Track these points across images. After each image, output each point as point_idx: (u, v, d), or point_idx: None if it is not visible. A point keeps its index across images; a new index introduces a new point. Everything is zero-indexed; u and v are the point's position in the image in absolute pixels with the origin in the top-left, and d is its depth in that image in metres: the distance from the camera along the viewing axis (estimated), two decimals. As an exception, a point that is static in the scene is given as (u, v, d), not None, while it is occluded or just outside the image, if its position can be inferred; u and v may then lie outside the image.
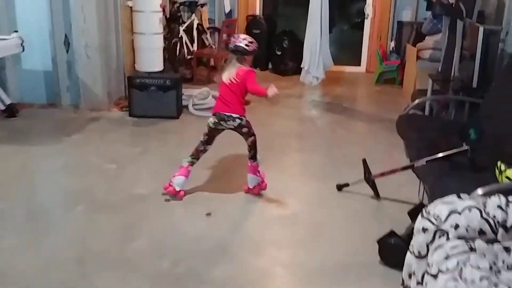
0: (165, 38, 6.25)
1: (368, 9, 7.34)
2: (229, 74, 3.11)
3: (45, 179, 3.65)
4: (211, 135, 3.20)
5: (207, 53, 6.80)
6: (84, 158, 3.90)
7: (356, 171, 3.37)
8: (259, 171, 3.30)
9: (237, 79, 3.07)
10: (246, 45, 3.09)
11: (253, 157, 3.24)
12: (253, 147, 3.22)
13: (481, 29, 3.72)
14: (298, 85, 6.68)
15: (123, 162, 3.81)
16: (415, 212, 2.41)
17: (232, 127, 3.14)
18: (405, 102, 5.63)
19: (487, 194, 1.93)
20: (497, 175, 2.64)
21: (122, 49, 5.39)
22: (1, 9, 4.95)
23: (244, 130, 3.17)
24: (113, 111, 5.10)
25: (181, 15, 6.96)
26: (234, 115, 3.10)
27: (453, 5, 4.64)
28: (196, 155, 3.22)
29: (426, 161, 2.90)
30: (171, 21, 6.66)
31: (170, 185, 3.17)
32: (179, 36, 6.53)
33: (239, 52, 3.10)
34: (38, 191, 3.50)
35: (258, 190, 3.29)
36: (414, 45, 5.94)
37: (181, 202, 3.15)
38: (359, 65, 7.54)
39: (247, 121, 3.17)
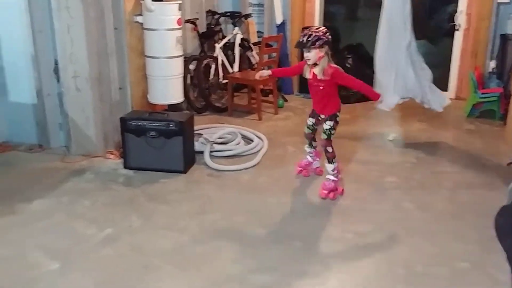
0: (197, 60, 5.10)
1: (460, 18, 5.65)
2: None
3: None
4: None
5: (241, 77, 5.36)
6: (20, 248, 2.69)
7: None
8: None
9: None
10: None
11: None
12: None
13: None
14: (360, 117, 5.21)
15: (73, 259, 2.61)
16: None
17: None
18: (509, 153, 4.00)
19: None
20: None
21: (128, 77, 4.26)
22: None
23: None
24: (109, 159, 3.96)
25: (221, 29, 5.75)
26: None
27: None
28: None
29: None
30: (206, 37, 5.46)
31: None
32: (214, 55, 5.30)
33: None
34: None
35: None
36: (525, 71, 4.27)
37: None
38: (446, 90, 5.86)
39: None
